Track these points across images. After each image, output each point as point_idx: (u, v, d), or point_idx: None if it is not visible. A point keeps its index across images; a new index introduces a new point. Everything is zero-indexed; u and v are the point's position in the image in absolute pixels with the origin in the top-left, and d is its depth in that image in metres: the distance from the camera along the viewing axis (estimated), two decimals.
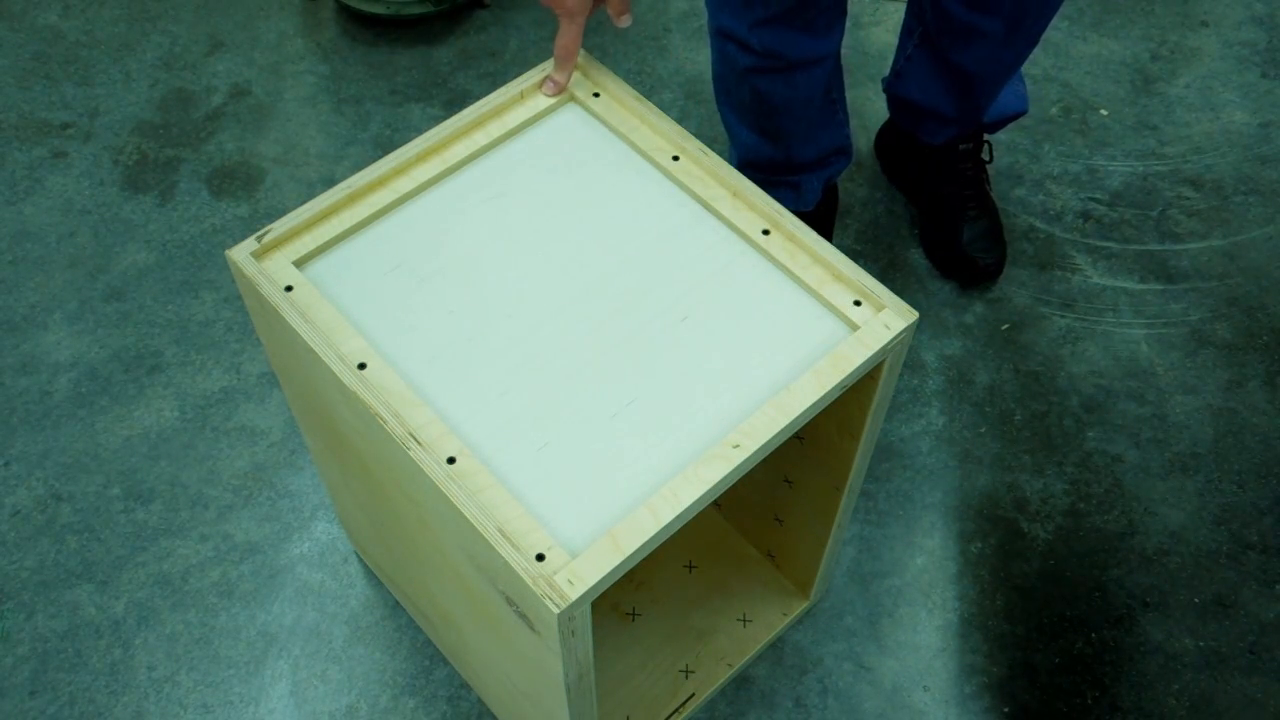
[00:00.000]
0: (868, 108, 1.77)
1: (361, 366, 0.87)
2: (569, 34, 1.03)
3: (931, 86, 1.48)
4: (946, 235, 1.58)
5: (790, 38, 1.27)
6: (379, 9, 1.84)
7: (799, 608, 1.30)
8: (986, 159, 1.61)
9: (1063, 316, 1.57)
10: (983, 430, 1.46)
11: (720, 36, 1.31)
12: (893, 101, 1.60)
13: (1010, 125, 1.77)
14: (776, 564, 1.32)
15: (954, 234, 1.57)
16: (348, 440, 0.98)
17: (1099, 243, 1.65)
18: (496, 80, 1.82)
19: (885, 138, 1.69)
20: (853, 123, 1.73)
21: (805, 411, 0.85)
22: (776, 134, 1.41)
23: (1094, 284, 1.60)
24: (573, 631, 0.80)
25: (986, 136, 1.61)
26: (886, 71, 1.65)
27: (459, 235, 0.96)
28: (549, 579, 0.77)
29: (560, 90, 1.05)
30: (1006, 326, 1.56)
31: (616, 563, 0.78)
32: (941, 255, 1.59)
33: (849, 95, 1.78)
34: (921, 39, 1.44)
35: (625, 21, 1.06)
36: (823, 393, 0.86)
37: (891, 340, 0.89)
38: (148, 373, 1.51)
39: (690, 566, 1.33)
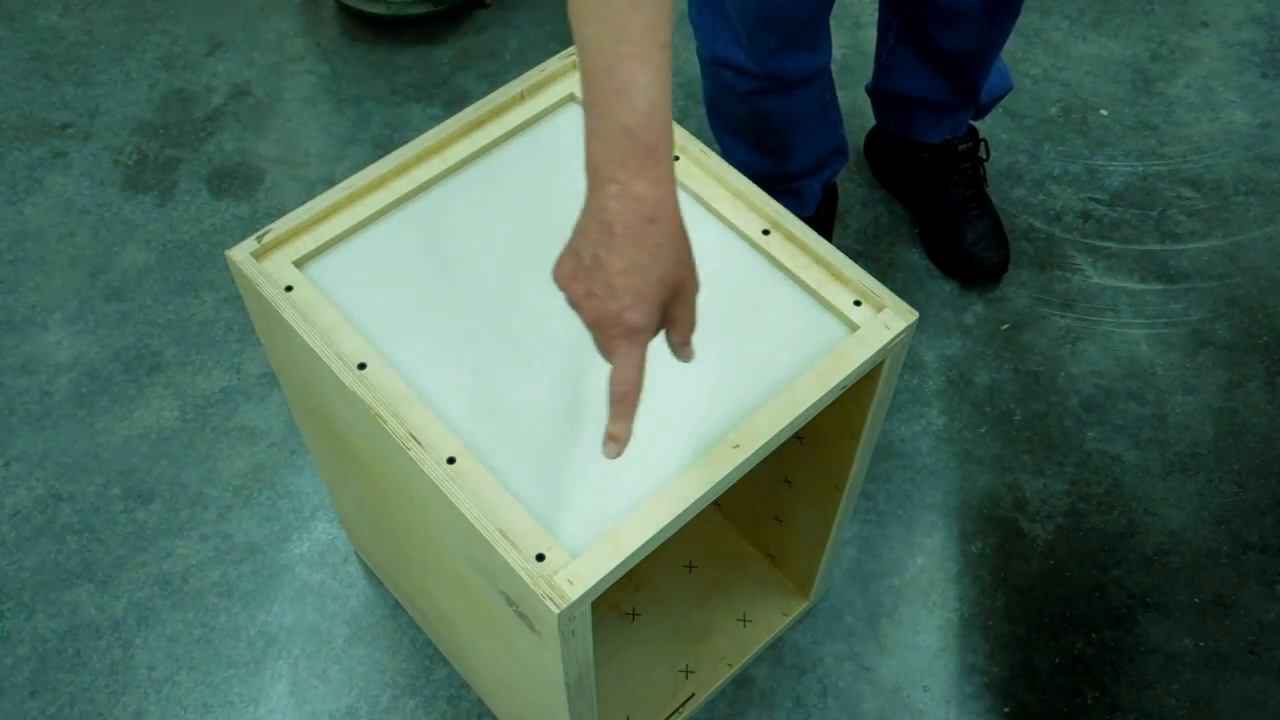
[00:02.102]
0: (868, 107, 1.77)
1: (361, 366, 0.87)
2: (633, 360, 0.72)
3: (920, 75, 1.48)
4: (950, 236, 1.58)
5: (792, 58, 1.27)
6: (379, 9, 1.84)
7: (799, 608, 1.30)
8: (983, 157, 1.61)
9: (1063, 316, 1.57)
10: (983, 430, 1.46)
11: (715, 65, 1.30)
12: (881, 99, 1.59)
13: (1011, 126, 1.77)
14: (776, 564, 1.32)
15: (957, 234, 1.57)
16: (348, 440, 0.98)
17: (1099, 243, 1.65)
18: (496, 80, 1.82)
19: (875, 141, 1.69)
20: (853, 121, 1.73)
21: (805, 411, 0.85)
22: (777, 150, 1.41)
23: (1094, 284, 1.60)
24: (573, 631, 0.79)
25: (982, 135, 1.61)
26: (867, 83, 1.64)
27: (459, 235, 0.96)
28: (549, 579, 0.77)
29: (623, 446, 0.74)
30: (1006, 326, 1.56)
31: (616, 563, 0.78)
32: (946, 256, 1.59)
33: (849, 95, 1.78)
34: (901, 29, 1.44)
35: (688, 355, 0.77)
36: (823, 393, 0.86)
37: (891, 340, 0.89)
38: (148, 373, 1.51)
39: (690, 566, 1.33)
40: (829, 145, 1.47)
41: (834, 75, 1.44)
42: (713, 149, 1.01)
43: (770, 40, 1.24)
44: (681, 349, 0.76)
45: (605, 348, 0.73)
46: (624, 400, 0.72)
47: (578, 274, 0.71)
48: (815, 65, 1.31)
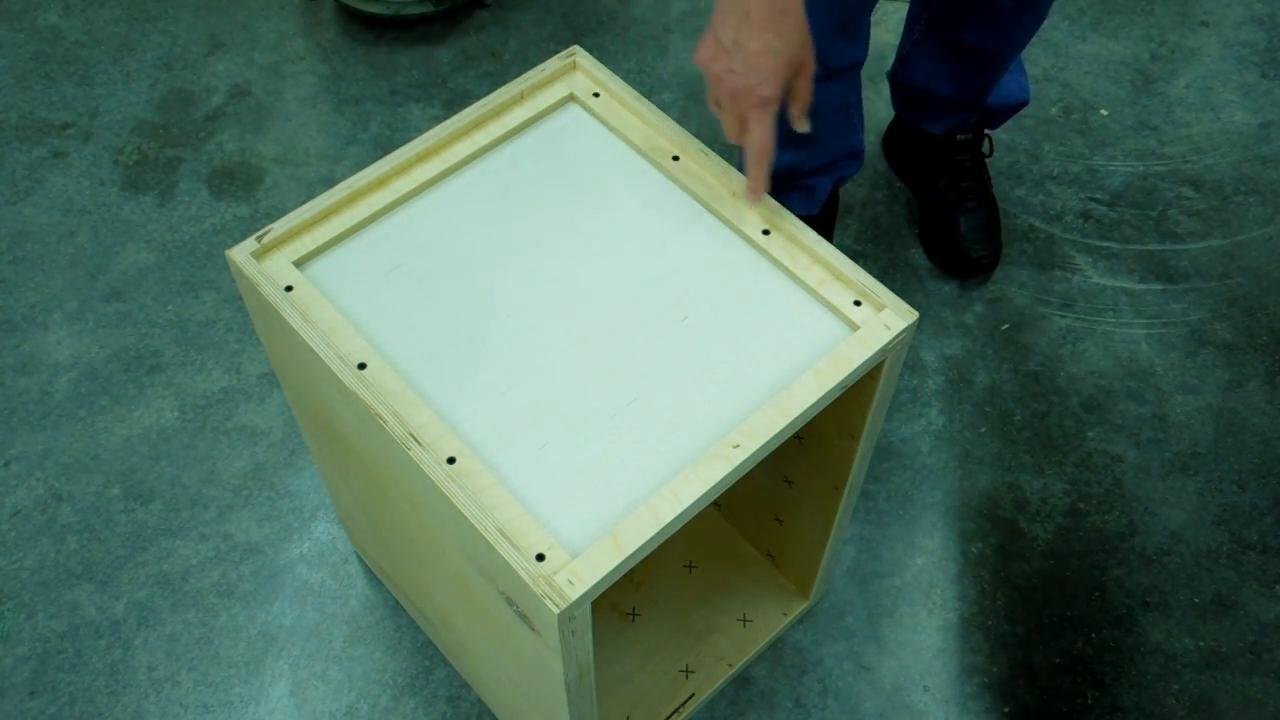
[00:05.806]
0: (867, 108, 1.77)
1: (361, 366, 0.87)
2: (765, 127, 0.90)
3: (936, 71, 1.49)
4: (943, 227, 1.59)
5: (839, 46, 1.28)
6: (379, 9, 1.84)
7: (799, 608, 1.30)
8: (986, 153, 1.61)
9: (1063, 316, 1.57)
10: (983, 430, 1.46)
11: None
12: (897, 90, 1.60)
13: (1011, 126, 1.77)
14: (776, 564, 1.32)
15: (950, 226, 1.58)
16: (348, 440, 0.98)
17: (1099, 243, 1.65)
18: (496, 80, 1.82)
19: (892, 131, 1.70)
20: None
21: (805, 411, 0.85)
22: (802, 141, 1.41)
23: (1094, 284, 1.60)
24: (573, 631, 0.80)
25: (988, 131, 1.61)
26: (886, 70, 1.65)
27: (459, 235, 0.96)
28: (549, 579, 0.77)
29: (760, 197, 0.94)
30: (1006, 326, 1.56)
31: (617, 563, 0.78)
32: (936, 247, 1.60)
33: None
34: (928, 24, 1.45)
35: (804, 126, 0.95)
36: (823, 393, 0.86)
37: (891, 340, 0.89)
38: (148, 373, 1.51)
39: (690, 566, 1.33)
40: (846, 146, 1.48)
41: None
42: (714, 146, 1.01)
43: (826, 22, 1.23)
44: (799, 120, 0.94)
45: (738, 116, 0.91)
46: (760, 160, 0.91)
47: (719, 55, 0.88)
48: (854, 57, 1.32)
